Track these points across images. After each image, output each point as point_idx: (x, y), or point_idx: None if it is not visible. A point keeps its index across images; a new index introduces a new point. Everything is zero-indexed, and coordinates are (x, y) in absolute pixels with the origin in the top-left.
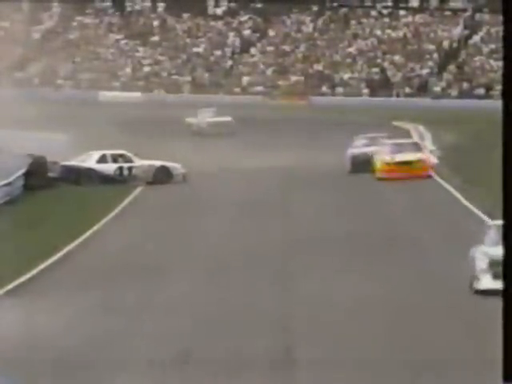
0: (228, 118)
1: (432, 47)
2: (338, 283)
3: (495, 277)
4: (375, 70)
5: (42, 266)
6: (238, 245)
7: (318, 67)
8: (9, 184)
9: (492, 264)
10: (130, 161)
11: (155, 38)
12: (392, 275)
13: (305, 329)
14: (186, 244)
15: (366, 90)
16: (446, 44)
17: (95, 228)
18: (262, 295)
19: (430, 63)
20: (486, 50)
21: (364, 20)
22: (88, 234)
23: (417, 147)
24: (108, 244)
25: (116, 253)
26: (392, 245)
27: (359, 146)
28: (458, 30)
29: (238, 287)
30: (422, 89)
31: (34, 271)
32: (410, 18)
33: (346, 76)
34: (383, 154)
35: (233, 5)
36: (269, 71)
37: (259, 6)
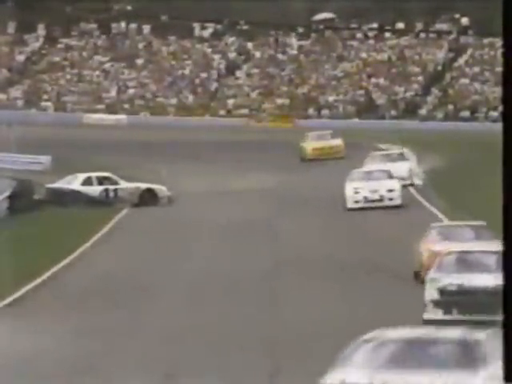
0: None
1: (417, 70)
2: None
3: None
4: (360, 92)
5: (25, 289)
6: (221, 268)
7: (304, 90)
8: None
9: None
10: (115, 183)
11: (141, 61)
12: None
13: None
14: (171, 267)
15: (352, 113)
16: (430, 67)
17: (80, 250)
18: (246, 318)
19: (415, 86)
20: (470, 72)
21: (349, 42)
22: (73, 256)
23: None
24: (92, 267)
25: (100, 276)
26: (369, 267)
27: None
28: (442, 53)
29: (222, 310)
30: (408, 111)
31: (18, 294)
32: (395, 41)
33: (331, 98)
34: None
35: (219, 27)
36: (254, 94)
37: (245, 28)
